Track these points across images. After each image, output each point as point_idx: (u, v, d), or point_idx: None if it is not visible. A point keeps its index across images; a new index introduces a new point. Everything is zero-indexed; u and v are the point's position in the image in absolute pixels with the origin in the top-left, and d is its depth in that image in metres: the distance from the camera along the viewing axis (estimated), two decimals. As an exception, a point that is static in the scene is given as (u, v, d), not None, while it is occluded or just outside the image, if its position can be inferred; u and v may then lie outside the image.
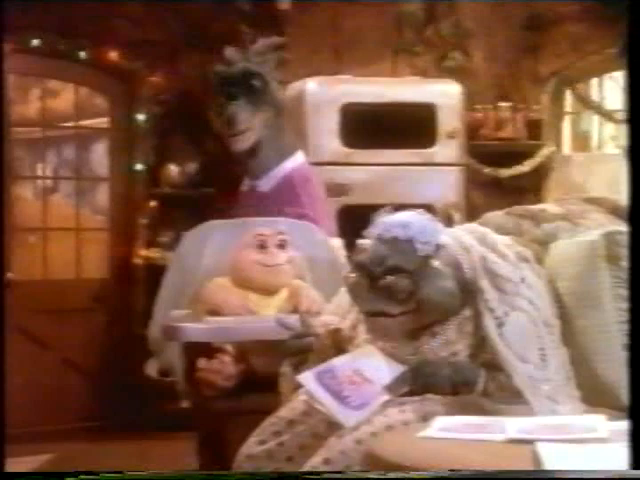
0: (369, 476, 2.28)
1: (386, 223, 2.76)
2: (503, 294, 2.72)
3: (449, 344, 2.70)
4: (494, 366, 2.67)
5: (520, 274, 2.77)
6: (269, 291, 3.69)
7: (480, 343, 2.71)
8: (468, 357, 2.71)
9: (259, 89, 4.21)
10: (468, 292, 2.73)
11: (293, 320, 2.96)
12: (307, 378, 2.64)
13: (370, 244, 2.76)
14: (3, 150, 3.01)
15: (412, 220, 2.76)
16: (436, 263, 2.70)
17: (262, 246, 3.71)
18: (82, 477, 2.12)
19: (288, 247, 3.74)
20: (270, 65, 4.30)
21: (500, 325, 2.68)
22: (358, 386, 2.61)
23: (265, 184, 4.19)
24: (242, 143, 4.20)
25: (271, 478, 2.49)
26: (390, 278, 2.67)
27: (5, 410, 2.73)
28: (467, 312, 2.73)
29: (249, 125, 4.18)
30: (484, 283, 2.72)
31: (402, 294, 2.66)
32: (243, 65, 4.24)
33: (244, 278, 3.68)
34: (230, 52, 4.33)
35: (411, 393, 2.64)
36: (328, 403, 2.57)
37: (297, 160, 4.29)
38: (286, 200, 4.12)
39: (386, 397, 2.60)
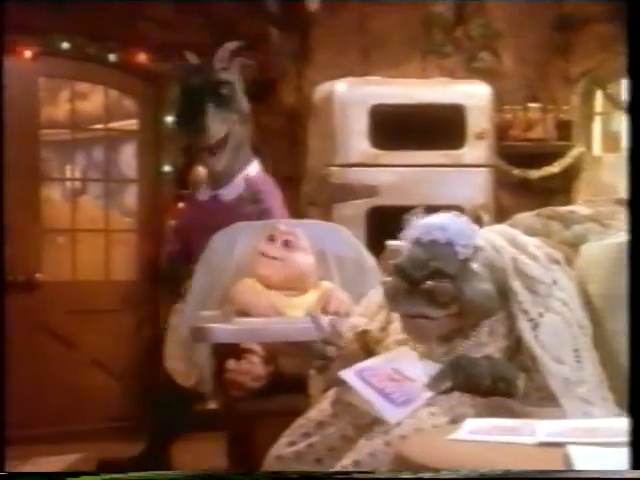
0: (399, 476, 2.27)
1: (424, 226, 2.75)
2: (536, 296, 2.71)
3: (481, 346, 2.70)
4: (527, 369, 2.65)
5: (552, 276, 2.75)
6: (296, 292, 3.70)
7: (513, 345, 2.70)
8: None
9: (228, 98, 4.15)
10: (501, 294, 2.72)
11: (324, 322, 2.96)
12: (350, 375, 2.63)
13: (407, 247, 2.75)
14: (3, 150, 3.04)
15: (450, 223, 2.75)
16: (475, 265, 2.70)
17: (270, 239, 3.73)
18: (83, 477, 2.12)
19: (295, 247, 3.73)
20: (236, 72, 4.23)
21: (535, 327, 2.67)
22: (400, 383, 2.60)
23: (229, 193, 4.17)
24: (216, 157, 4.14)
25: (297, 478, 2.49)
26: (432, 282, 2.66)
27: (5, 411, 2.74)
28: (500, 314, 2.72)
29: (221, 136, 4.12)
30: (516, 285, 2.71)
31: (444, 297, 2.66)
32: (210, 73, 4.18)
33: (253, 271, 3.70)
34: (193, 59, 4.24)
35: (451, 390, 2.63)
36: (374, 399, 2.56)
37: (255, 167, 4.26)
38: (250, 202, 4.10)
39: (429, 394, 2.59)
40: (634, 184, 2.08)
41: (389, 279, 2.76)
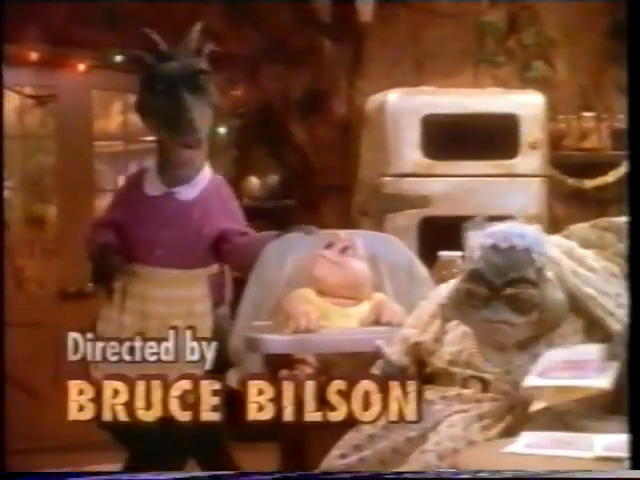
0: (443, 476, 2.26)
1: (501, 232, 2.75)
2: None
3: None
4: None
5: (612, 289, 2.73)
6: (350, 302, 3.69)
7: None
8: None
9: (204, 88, 3.83)
10: (571, 303, 2.71)
11: (390, 351, 2.94)
12: (533, 380, 2.59)
13: (481, 253, 2.73)
14: (3, 156, 3.04)
15: (527, 230, 2.75)
16: (549, 274, 2.69)
17: (329, 245, 3.73)
18: (84, 477, 2.12)
19: (353, 255, 3.72)
20: (205, 59, 3.92)
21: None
22: (579, 366, 2.57)
23: (186, 192, 3.85)
24: (196, 152, 3.84)
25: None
26: (513, 289, 2.66)
27: (5, 412, 2.75)
28: (579, 322, 2.72)
29: (206, 132, 3.85)
30: (591, 291, 2.71)
31: (527, 304, 2.66)
32: (184, 60, 3.85)
33: (309, 274, 3.69)
34: (162, 44, 3.89)
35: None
36: (574, 381, 2.52)
37: (209, 169, 4.01)
38: (216, 210, 3.88)
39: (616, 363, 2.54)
40: (634, 185, 2.06)
41: (463, 285, 2.74)
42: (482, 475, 2.14)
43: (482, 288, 2.69)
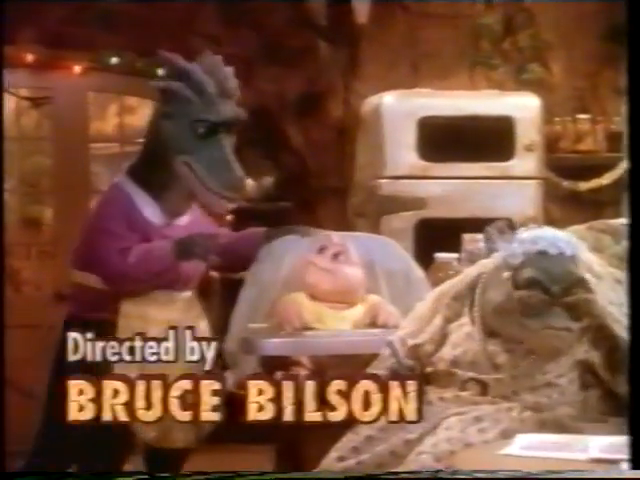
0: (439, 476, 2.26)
1: (547, 238, 2.75)
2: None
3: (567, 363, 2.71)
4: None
5: (617, 297, 2.75)
6: (344, 305, 3.69)
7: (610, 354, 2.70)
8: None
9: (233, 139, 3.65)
10: None
11: (401, 350, 2.95)
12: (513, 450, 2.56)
13: (527, 260, 2.73)
14: (3, 155, 3.03)
15: (567, 236, 2.77)
16: (589, 278, 2.72)
17: (321, 250, 3.73)
18: (83, 477, 2.12)
19: (345, 261, 3.72)
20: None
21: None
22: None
23: (183, 220, 3.72)
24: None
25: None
26: (572, 295, 2.67)
27: (5, 412, 2.75)
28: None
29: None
30: (599, 296, 2.72)
31: (583, 310, 2.68)
32: (229, 107, 3.61)
33: (302, 280, 3.69)
34: (197, 71, 3.59)
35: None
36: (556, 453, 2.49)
37: None
38: (204, 229, 3.77)
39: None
40: (634, 186, 2.06)
41: (518, 293, 2.73)
42: (478, 475, 2.14)
43: (540, 295, 2.70)
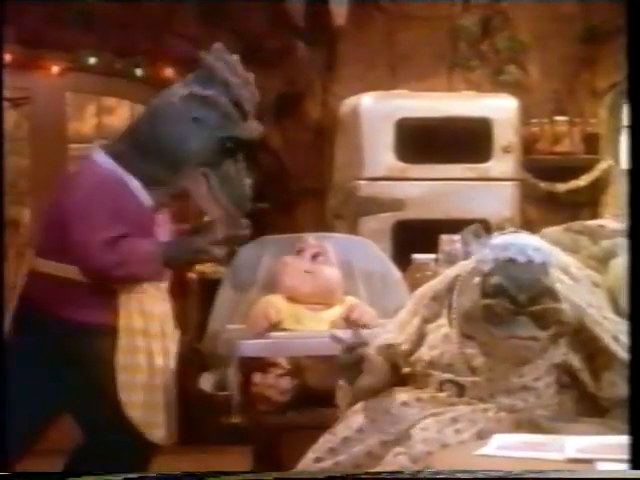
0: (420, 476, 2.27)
1: (517, 245, 2.72)
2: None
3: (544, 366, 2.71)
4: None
5: (596, 300, 2.76)
6: (322, 306, 3.70)
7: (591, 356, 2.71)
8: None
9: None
10: None
11: (345, 334, 2.96)
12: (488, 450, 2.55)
13: (496, 267, 2.71)
14: (3, 151, 3.00)
15: (539, 243, 2.75)
16: (558, 285, 2.70)
17: (299, 252, 3.74)
18: (83, 477, 2.12)
19: (323, 261, 3.73)
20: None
21: (615, 339, 2.67)
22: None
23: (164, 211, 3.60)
24: None
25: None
26: (538, 304, 2.66)
27: (5, 412, 2.74)
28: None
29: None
30: (578, 299, 2.72)
31: (551, 319, 2.66)
32: (254, 126, 3.51)
33: (280, 282, 3.70)
34: (234, 79, 3.50)
35: None
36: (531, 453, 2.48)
37: None
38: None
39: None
40: (634, 186, 2.07)
41: (485, 301, 2.71)
42: (459, 476, 2.14)
43: (506, 304, 2.68)
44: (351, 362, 2.86)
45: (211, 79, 3.51)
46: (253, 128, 3.50)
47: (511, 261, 2.69)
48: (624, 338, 2.64)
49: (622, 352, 2.63)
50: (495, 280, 2.70)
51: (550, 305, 2.65)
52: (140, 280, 3.43)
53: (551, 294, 2.66)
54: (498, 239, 2.76)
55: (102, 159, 3.50)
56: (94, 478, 2.13)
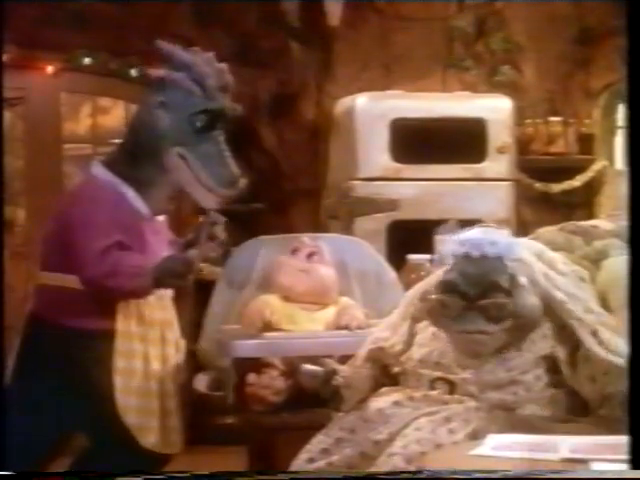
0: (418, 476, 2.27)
1: (471, 240, 2.74)
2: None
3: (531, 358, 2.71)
4: (592, 377, 2.66)
5: (582, 294, 2.76)
6: (316, 307, 3.70)
7: (574, 351, 2.70)
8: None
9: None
10: (544, 306, 2.73)
11: (316, 368, 2.96)
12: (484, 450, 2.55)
13: (453, 262, 2.73)
14: (3, 153, 3.00)
15: (498, 237, 2.75)
16: (523, 279, 2.70)
17: (294, 251, 3.74)
18: (84, 477, 2.12)
19: (319, 260, 3.73)
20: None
21: (594, 334, 2.67)
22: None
23: (161, 217, 3.64)
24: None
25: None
26: (489, 298, 2.66)
27: (6, 412, 2.74)
28: (547, 326, 2.73)
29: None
30: (560, 294, 2.72)
31: (501, 312, 2.66)
32: (227, 101, 3.51)
33: (275, 281, 3.70)
34: (207, 61, 3.47)
35: None
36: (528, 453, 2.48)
37: None
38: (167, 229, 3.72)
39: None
40: (634, 187, 2.08)
41: (438, 296, 2.73)
42: (457, 476, 2.14)
43: (456, 299, 2.69)
44: (330, 392, 2.86)
45: (172, 63, 3.49)
46: (225, 103, 3.47)
47: (466, 256, 2.71)
48: (606, 334, 2.64)
49: (599, 348, 2.64)
50: (448, 275, 2.73)
51: (499, 299, 2.66)
52: (130, 294, 3.43)
53: (501, 288, 2.66)
54: (461, 235, 2.78)
55: (100, 172, 3.54)
56: (94, 478, 2.12)
